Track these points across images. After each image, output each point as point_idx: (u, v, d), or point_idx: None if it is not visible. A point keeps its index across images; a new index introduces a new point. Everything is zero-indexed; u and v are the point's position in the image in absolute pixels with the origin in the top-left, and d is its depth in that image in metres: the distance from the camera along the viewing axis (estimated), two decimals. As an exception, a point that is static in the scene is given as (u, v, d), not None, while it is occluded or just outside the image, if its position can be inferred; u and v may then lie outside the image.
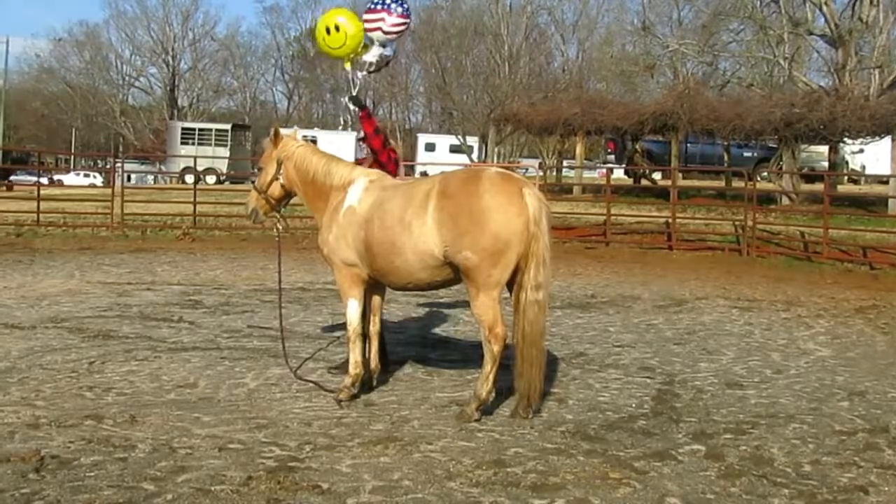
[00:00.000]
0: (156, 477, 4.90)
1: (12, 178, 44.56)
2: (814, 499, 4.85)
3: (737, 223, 18.71)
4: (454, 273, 6.10)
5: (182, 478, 4.90)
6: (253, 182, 7.24)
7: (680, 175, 25.29)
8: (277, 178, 6.88)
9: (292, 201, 7.23)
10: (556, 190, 25.29)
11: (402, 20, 7.69)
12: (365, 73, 7.87)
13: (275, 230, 7.29)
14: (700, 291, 12.93)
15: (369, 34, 7.63)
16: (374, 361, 6.82)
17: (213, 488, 4.76)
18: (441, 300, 10.80)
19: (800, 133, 22.84)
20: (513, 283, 6.06)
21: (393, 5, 7.58)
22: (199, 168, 31.31)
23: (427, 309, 10.57)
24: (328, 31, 7.66)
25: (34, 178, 35.67)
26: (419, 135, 52.91)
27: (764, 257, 17.00)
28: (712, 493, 4.88)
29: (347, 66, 7.86)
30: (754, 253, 17.17)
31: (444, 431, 5.81)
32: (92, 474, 4.92)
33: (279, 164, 6.85)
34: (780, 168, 24.47)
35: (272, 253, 15.82)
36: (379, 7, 7.60)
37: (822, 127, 22.19)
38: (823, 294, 12.86)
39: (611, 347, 8.79)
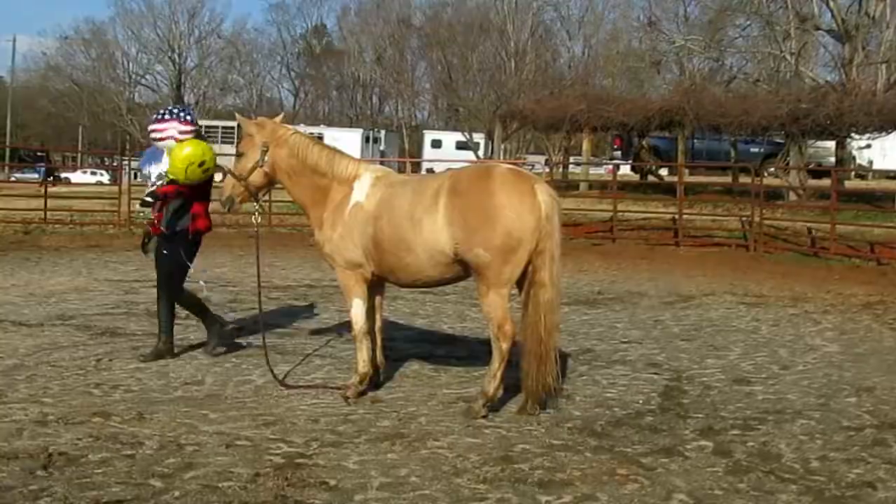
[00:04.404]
0: (163, 474, 4.91)
1: (17, 175, 44.73)
2: (821, 495, 4.84)
3: (744, 219, 18.67)
4: (464, 270, 6.07)
5: (189, 474, 4.91)
6: (229, 169, 6.91)
7: (686, 171, 25.19)
8: (261, 166, 6.58)
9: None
10: (562, 186, 25.21)
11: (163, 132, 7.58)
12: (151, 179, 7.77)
13: (252, 221, 7.12)
14: (707, 287, 12.90)
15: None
16: (379, 357, 6.82)
17: (220, 485, 4.76)
18: (448, 296, 10.80)
19: (807, 128, 22.78)
20: (523, 280, 6.03)
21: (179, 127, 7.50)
22: (206, 165, 31.36)
23: (434, 305, 10.57)
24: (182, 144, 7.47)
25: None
26: (425, 131, 53.03)
27: (771, 253, 16.97)
28: (720, 489, 4.88)
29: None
30: (761, 249, 17.14)
31: (451, 428, 5.81)
32: (100, 471, 4.93)
33: (264, 151, 6.56)
34: (787, 164, 24.41)
35: (277, 249, 15.86)
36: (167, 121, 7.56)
37: (829, 122, 22.13)
38: (831, 290, 12.82)
39: (618, 344, 8.78)
